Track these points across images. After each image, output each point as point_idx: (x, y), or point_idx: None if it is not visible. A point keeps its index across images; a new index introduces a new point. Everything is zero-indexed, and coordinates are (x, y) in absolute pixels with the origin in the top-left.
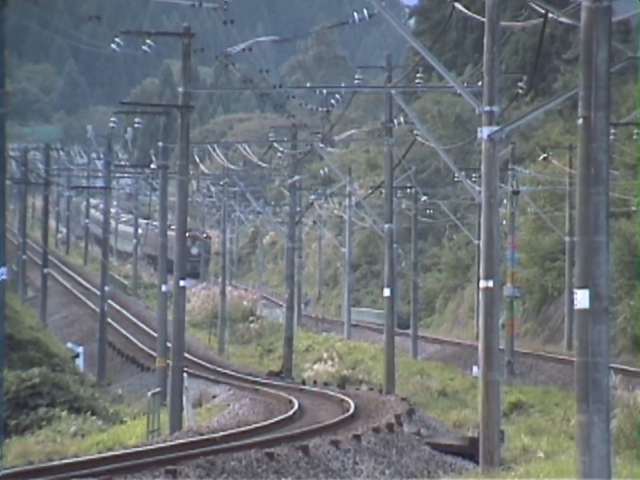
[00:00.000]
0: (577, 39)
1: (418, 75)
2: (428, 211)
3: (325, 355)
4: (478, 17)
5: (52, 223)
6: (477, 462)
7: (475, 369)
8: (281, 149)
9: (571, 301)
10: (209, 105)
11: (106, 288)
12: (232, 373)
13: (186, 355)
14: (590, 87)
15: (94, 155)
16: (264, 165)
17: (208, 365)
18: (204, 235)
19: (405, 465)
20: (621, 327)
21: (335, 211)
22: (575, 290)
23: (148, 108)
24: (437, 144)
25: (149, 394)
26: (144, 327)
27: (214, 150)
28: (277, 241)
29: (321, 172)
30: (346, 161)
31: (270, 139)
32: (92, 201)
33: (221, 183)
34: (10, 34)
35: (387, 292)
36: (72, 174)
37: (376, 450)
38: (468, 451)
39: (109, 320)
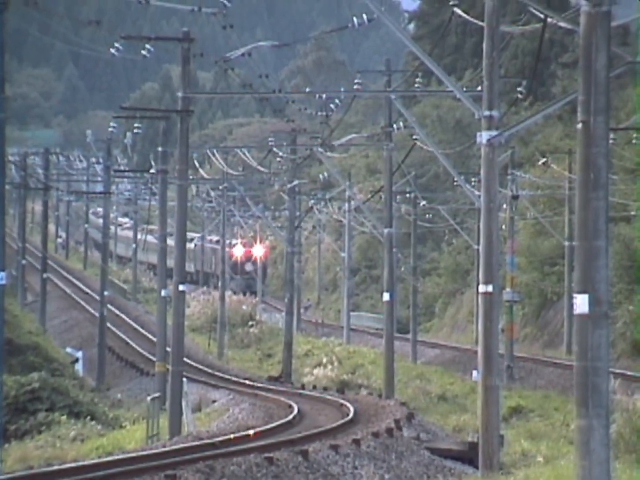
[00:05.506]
0: (575, 42)
1: (417, 79)
2: (427, 216)
3: (324, 359)
4: (477, 21)
5: (51, 228)
6: (476, 467)
7: (474, 373)
8: (280, 153)
9: (571, 306)
10: (209, 110)
11: (106, 293)
12: (232, 378)
13: (186, 359)
14: (590, 91)
15: (93, 160)
16: (263, 170)
17: (207, 369)
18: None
19: (405, 470)
20: (620, 332)
21: (335, 216)
22: (575, 295)
23: (147, 113)
24: (437, 149)
25: (149, 398)
26: (144, 331)
27: (214, 155)
28: (276, 246)
29: (320, 176)
30: (346, 166)
31: (270, 143)
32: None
33: (220, 188)
34: (10, 39)
35: (386, 296)
36: (72, 179)
37: (376, 454)
38: (467, 456)
39: (109, 324)
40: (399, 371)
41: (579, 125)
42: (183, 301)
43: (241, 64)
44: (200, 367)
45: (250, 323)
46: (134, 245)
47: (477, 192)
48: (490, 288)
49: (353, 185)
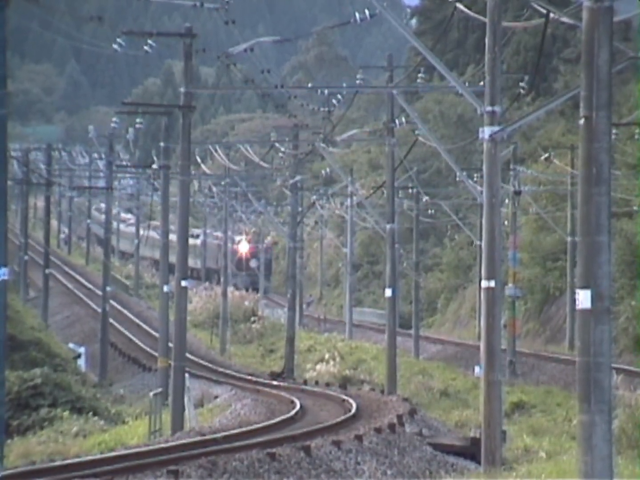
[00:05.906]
0: (577, 38)
1: (420, 75)
2: (430, 211)
3: (327, 355)
4: (480, 17)
5: (53, 223)
6: (479, 463)
7: (477, 369)
8: (283, 149)
9: (573, 301)
10: (211, 106)
11: (108, 288)
12: (234, 373)
13: (188, 355)
14: (592, 87)
15: (95, 155)
16: (265, 165)
17: (210, 365)
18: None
19: (407, 466)
20: (623, 327)
21: (337, 211)
22: (577, 291)
23: (150, 108)
24: (439, 144)
25: (151, 394)
26: (146, 327)
27: (216, 150)
28: (278, 241)
29: (323, 172)
30: (348, 161)
31: (272, 139)
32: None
33: (223, 183)
34: (12, 35)
35: (388, 292)
36: (74, 174)
37: (378, 450)
38: (470, 451)
39: (111, 320)
40: (401, 367)
41: (581, 121)
42: (185, 297)
43: (243, 60)
44: (203, 362)
45: (252, 319)
46: (136, 241)
47: (479, 188)
48: (492, 283)
49: (355, 181)
